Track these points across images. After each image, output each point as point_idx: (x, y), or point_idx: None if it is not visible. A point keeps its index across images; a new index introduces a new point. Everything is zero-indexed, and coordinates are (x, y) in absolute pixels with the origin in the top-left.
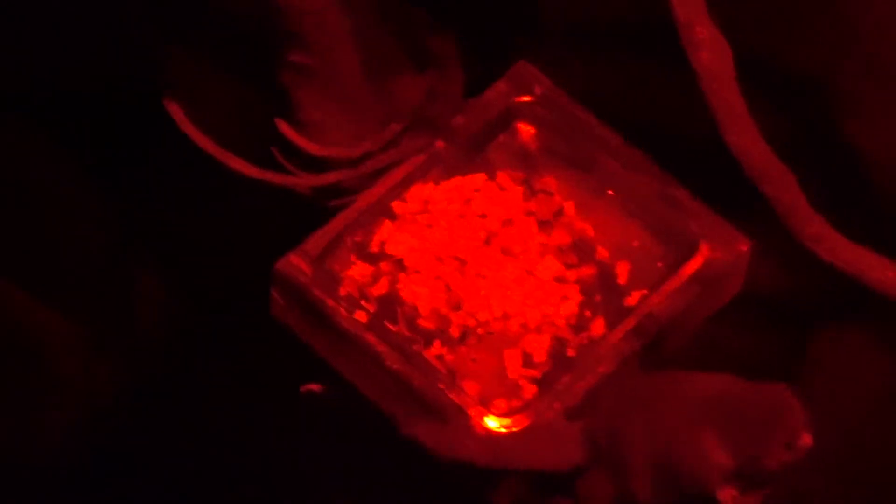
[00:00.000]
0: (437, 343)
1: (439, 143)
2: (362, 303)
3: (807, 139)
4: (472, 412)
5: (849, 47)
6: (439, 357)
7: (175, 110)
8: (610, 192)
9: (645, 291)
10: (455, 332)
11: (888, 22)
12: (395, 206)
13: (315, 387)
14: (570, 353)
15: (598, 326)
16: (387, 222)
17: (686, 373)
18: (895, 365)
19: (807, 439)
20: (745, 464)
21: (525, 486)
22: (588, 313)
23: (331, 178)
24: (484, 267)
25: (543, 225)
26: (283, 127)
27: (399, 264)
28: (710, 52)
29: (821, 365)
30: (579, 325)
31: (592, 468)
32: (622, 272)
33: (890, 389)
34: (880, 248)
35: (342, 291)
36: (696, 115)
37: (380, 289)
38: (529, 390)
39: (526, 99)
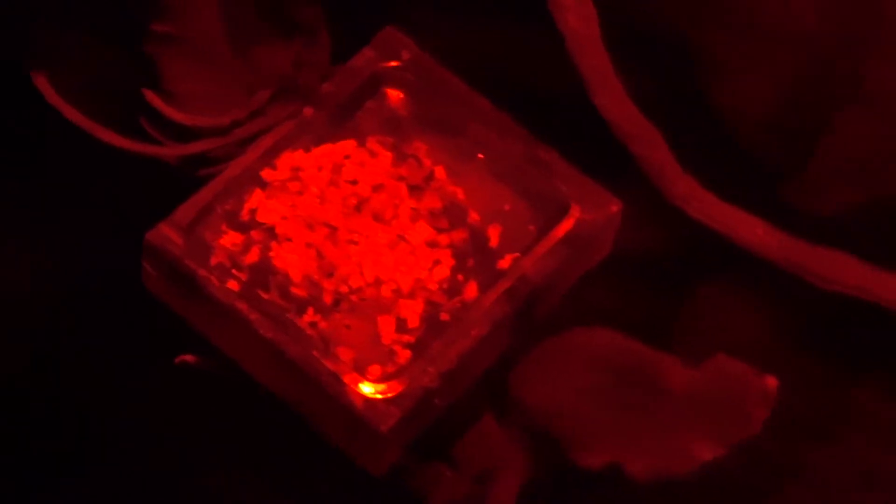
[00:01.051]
0: (310, 311)
1: (308, 111)
2: (234, 272)
3: (673, 98)
4: (346, 379)
5: (708, 4)
6: (313, 324)
7: (42, 82)
8: (480, 156)
9: (517, 254)
10: (328, 300)
11: None
12: (265, 174)
13: (190, 358)
14: (444, 317)
15: (471, 290)
16: (257, 191)
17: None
18: (765, 321)
19: (772, 382)
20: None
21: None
22: (461, 277)
23: (199, 147)
24: (355, 233)
25: (414, 190)
26: (151, 97)
27: (270, 232)
28: (576, 15)
29: (692, 323)
30: (452, 290)
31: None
32: (494, 235)
33: (760, 345)
34: (748, 206)
35: (213, 261)
36: (564, 77)
37: (251, 257)
38: (404, 355)
39: (393, 64)
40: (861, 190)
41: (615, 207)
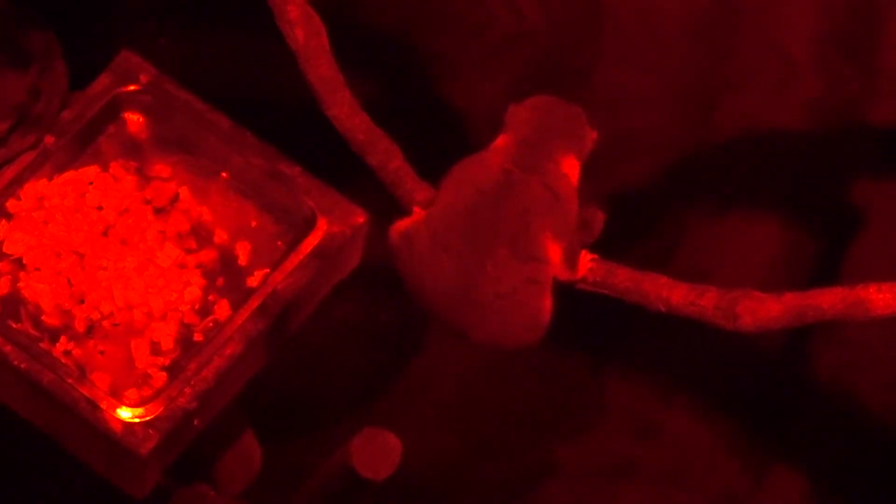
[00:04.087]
0: (63, 339)
1: (48, 139)
2: None
3: (408, 106)
4: (103, 405)
5: (436, 8)
6: (67, 353)
7: None
8: (223, 175)
9: (267, 270)
10: (80, 327)
11: None
12: (10, 205)
13: None
14: (198, 337)
15: (222, 309)
16: (2, 222)
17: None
18: None
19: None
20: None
21: None
22: (212, 297)
23: None
24: (104, 259)
25: (160, 212)
26: None
27: (18, 263)
28: (304, 29)
29: (440, 327)
30: (204, 310)
31: None
32: (243, 253)
33: None
34: None
35: None
36: (301, 91)
37: (1, 289)
38: (160, 378)
39: (132, 88)
40: (599, 186)
41: (361, 219)
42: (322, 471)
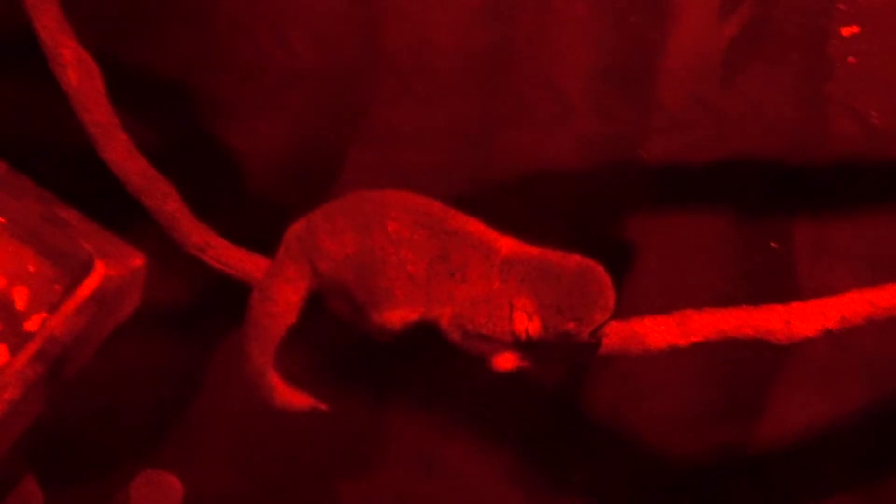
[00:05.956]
0: None
1: None
2: None
3: (184, 148)
4: None
5: (211, 48)
6: None
7: None
8: (1, 220)
9: (45, 315)
10: None
11: (242, 17)
12: None
13: None
14: None
15: (0, 354)
16: None
17: None
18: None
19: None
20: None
21: None
22: None
23: None
24: None
25: None
26: None
27: None
28: (77, 72)
29: (221, 368)
30: None
31: None
32: (20, 298)
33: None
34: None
35: None
36: (77, 135)
37: None
38: None
39: None
40: None
41: (139, 261)
42: None
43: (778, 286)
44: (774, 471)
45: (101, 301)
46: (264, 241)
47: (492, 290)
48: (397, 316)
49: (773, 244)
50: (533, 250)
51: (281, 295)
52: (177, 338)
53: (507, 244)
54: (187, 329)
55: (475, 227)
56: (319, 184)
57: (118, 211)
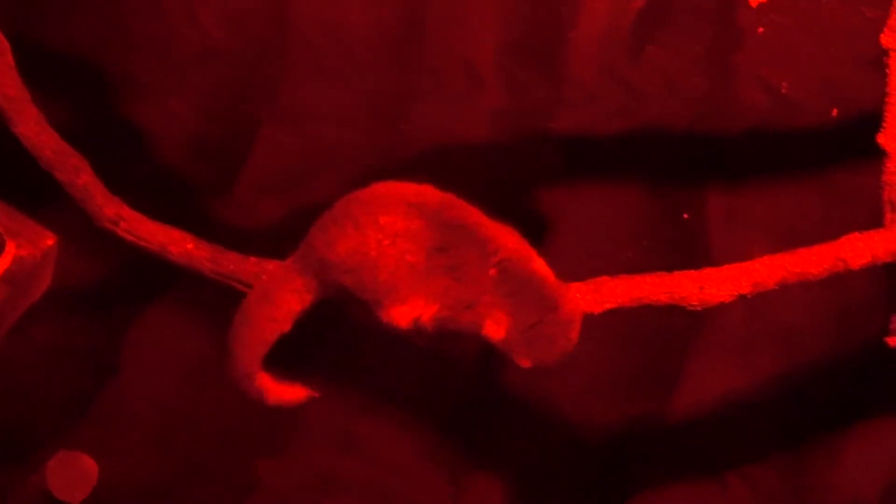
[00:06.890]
0: None
1: None
2: None
3: (96, 123)
4: None
5: (121, 26)
6: None
7: None
8: None
9: None
10: None
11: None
12: None
13: None
14: None
15: None
16: None
17: None
18: (203, 336)
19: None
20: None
21: None
22: None
23: None
24: None
25: None
26: None
27: None
28: None
29: (136, 347)
30: None
31: None
32: None
33: (201, 359)
34: (178, 223)
35: None
36: None
37: None
38: None
39: None
40: (286, 202)
41: (50, 241)
42: (18, 495)
43: (691, 256)
44: (693, 439)
45: (12, 281)
46: (176, 217)
47: (479, 300)
48: (404, 312)
49: (685, 215)
50: (532, 263)
51: (285, 303)
52: (91, 317)
53: (507, 242)
54: (102, 309)
55: (475, 218)
56: (231, 161)
57: (29, 193)
